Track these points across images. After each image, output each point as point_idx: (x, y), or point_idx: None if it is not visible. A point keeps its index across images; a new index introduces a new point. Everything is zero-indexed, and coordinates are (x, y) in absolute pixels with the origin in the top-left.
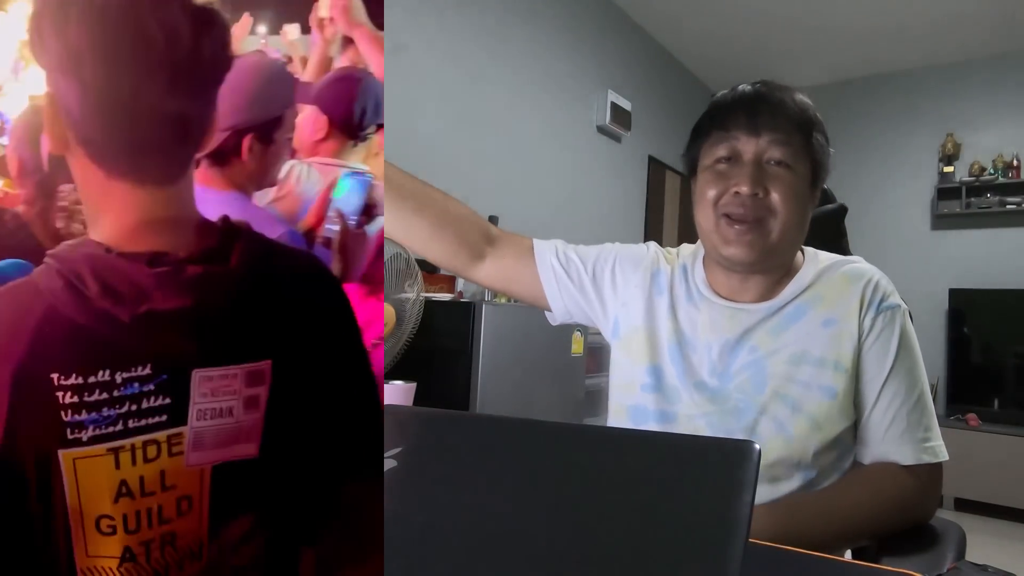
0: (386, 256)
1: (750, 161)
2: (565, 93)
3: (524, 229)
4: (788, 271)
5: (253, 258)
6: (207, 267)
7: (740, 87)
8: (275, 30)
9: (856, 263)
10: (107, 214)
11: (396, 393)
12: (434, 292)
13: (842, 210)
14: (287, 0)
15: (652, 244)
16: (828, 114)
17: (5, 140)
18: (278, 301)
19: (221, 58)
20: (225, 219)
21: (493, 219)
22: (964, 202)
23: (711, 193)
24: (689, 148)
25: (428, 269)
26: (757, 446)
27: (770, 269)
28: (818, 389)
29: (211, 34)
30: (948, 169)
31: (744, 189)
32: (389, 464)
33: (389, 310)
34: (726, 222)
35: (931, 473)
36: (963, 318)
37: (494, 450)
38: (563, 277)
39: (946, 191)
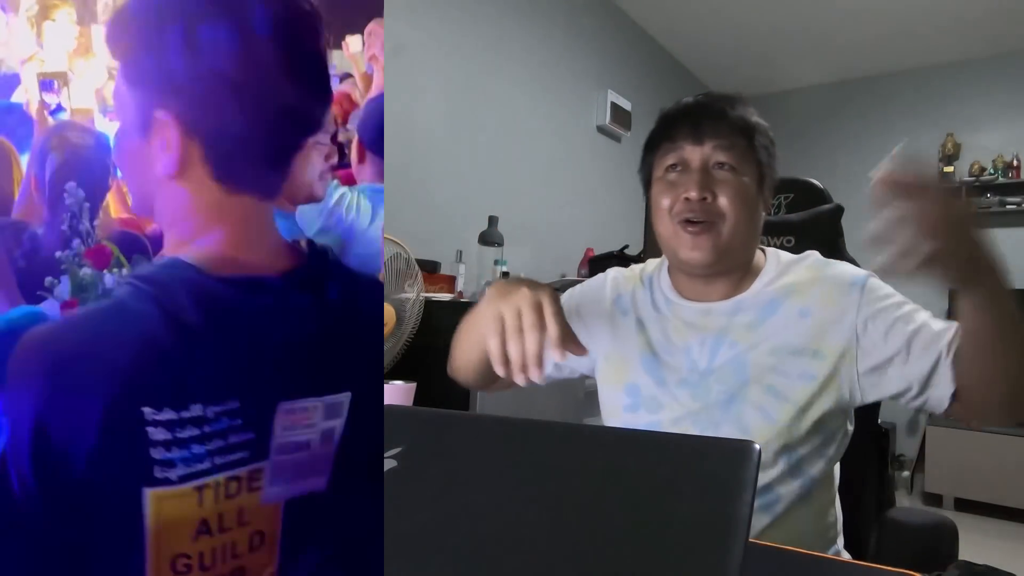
0: (386, 256)
1: (697, 168)
2: (565, 93)
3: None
4: (749, 270)
5: (346, 289)
6: (306, 297)
7: (684, 100)
8: (336, 43)
9: (815, 256)
10: (215, 232)
11: (396, 393)
12: (434, 292)
13: (838, 210)
14: (351, 10)
15: (611, 271)
16: (828, 114)
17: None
18: (359, 330)
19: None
20: (310, 243)
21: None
22: None
23: (665, 202)
24: (643, 164)
25: (428, 269)
26: (757, 446)
27: (729, 270)
28: (798, 377)
29: (319, 29)
30: (948, 169)
31: (693, 194)
32: (389, 464)
33: (389, 310)
34: (681, 227)
35: None
36: None
37: (494, 450)
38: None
39: None
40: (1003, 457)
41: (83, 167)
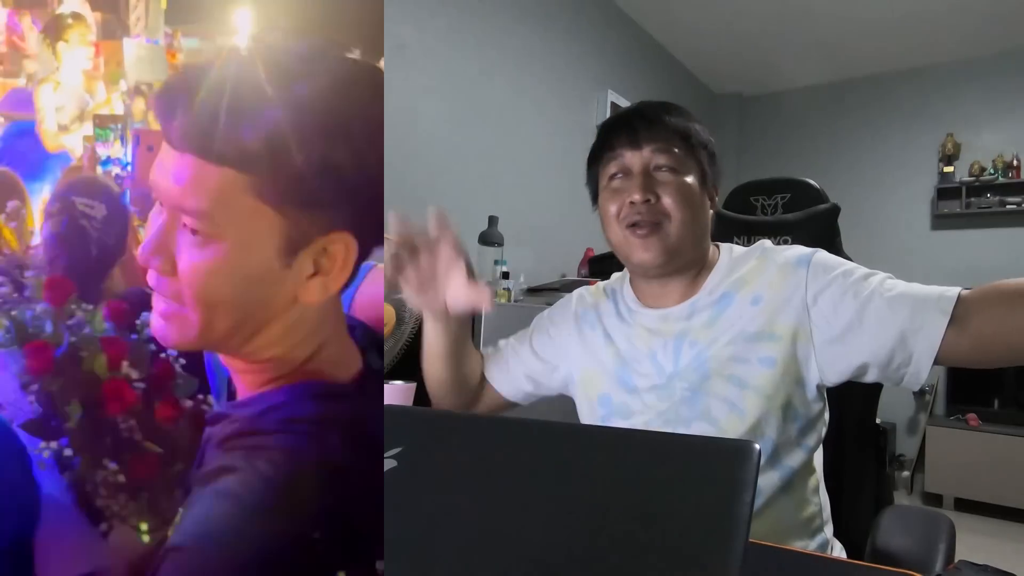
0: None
1: (638, 172)
2: (565, 93)
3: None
4: (704, 267)
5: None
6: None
7: (622, 110)
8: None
9: (762, 247)
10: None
11: (396, 393)
12: None
13: (835, 209)
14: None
15: (577, 291)
16: (828, 114)
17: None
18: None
19: None
20: (363, 331)
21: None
22: (964, 202)
23: (612, 208)
24: (588, 177)
25: None
26: (757, 446)
27: (682, 268)
28: (758, 362)
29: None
30: (948, 169)
31: (636, 197)
32: (389, 464)
33: (389, 310)
34: (630, 232)
35: None
36: None
37: (494, 450)
38: (517, 381)
39: (946, 191)
40: (1003, 457)
41: (82, 242)
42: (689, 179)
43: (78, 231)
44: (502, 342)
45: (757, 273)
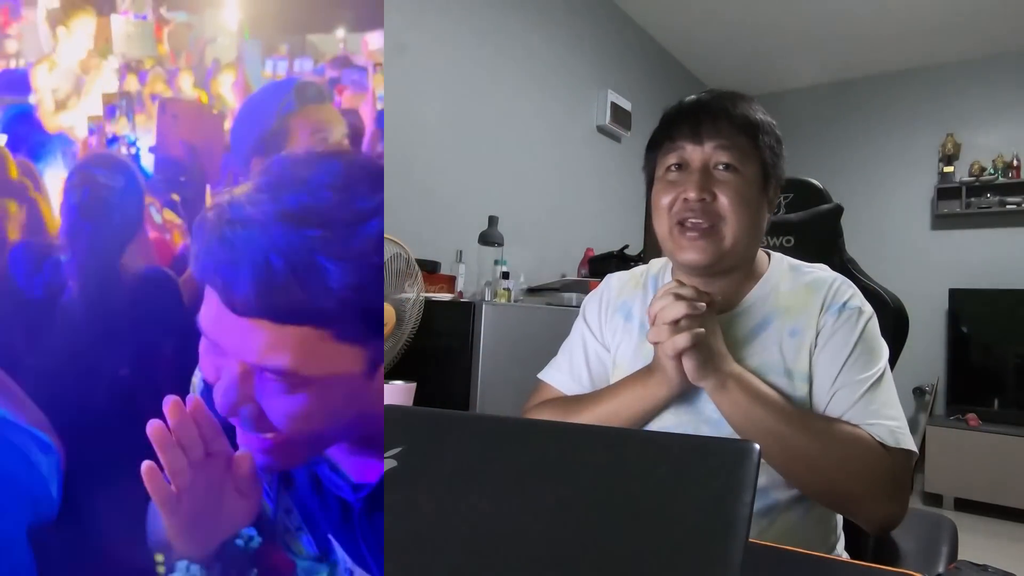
0: (386, 256)
1: (697, 168)
2: (565, 93)
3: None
4: (751, 273)
5: None
6: None
7: (687, 98)
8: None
9: (821, 271)
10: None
11: (396, 393)
12: (434, 292)
13: (838, 210)
14: (350, 10)
15: (610, 278)
16: (828, 114)
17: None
18: None
19: None
20: None
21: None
22: (964, 202)
23: (664, 201)
24: (646, 162)
25: (428, 269)
26: (757, 446)
27: (730, 270)
28: (779, 392)
29: None
30: (948, 169)
31: (691, 195)
32: (389, 464)
33: (389, 310)
34: (679, 229)
35: (904, 462)
36: (963, 318)
37: (494, 450)
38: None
39: (946, 191)
40: (1003, 457)
41: (105, 211)
42: (750, 179)
43: (100, 200)
44: (560, 359)
45: (801, 303)
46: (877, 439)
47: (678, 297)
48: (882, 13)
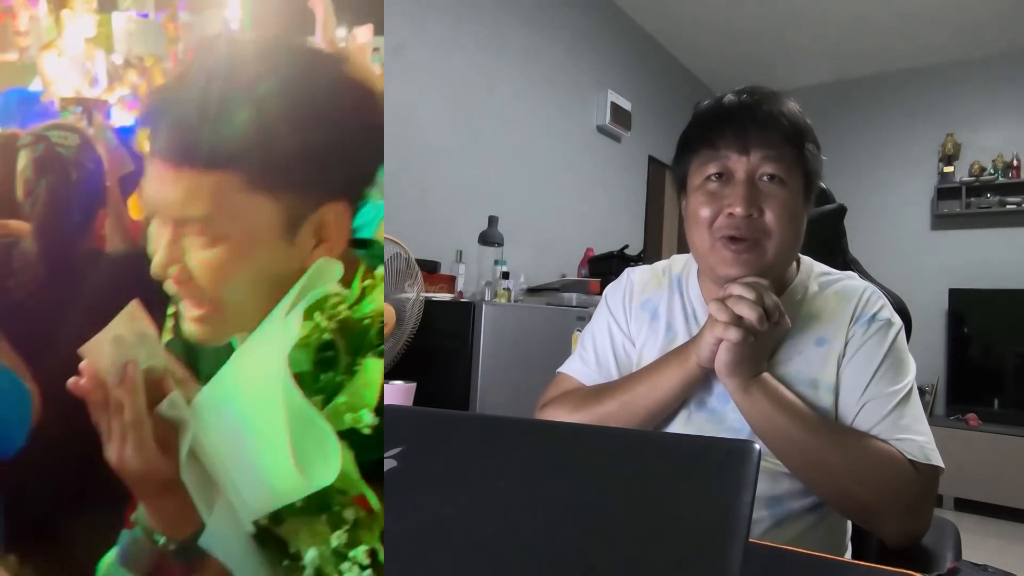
0: (386, 256)
1: (742, 180)
2: (565, 93)
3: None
4: (783, 282)
5: None
6: None
7: (726, 98)
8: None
9: (850, 279)
10: None
11: (396, 393)
12: (434, 292)
13: (841, 210)
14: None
15: (631, 274)
16: (828, 113)
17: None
18: None
19: None
20: None
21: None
22: (964, 202)
23: (704, 213)
24: (678, 163)
25: (428, 269)
26: (757, 446)
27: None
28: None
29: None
30: (948, 169)
31: (738, 211)
32: (389, 464)
33: (389, 310)
34: (722, 244)
35: (931, 479)
36: (963, 318)
37: (494, 450)
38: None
39: (946, 191)
40: (1003, 457)
41: (60, 168)
42: (794, 191)
43: (55, 156)
44: (584, 354)
45: (830, 313)
46: (907, 455)
47: (758, 302)
48: (882, 13)
